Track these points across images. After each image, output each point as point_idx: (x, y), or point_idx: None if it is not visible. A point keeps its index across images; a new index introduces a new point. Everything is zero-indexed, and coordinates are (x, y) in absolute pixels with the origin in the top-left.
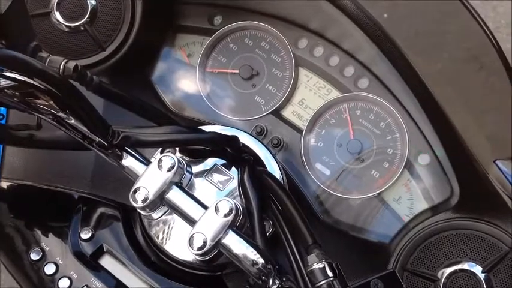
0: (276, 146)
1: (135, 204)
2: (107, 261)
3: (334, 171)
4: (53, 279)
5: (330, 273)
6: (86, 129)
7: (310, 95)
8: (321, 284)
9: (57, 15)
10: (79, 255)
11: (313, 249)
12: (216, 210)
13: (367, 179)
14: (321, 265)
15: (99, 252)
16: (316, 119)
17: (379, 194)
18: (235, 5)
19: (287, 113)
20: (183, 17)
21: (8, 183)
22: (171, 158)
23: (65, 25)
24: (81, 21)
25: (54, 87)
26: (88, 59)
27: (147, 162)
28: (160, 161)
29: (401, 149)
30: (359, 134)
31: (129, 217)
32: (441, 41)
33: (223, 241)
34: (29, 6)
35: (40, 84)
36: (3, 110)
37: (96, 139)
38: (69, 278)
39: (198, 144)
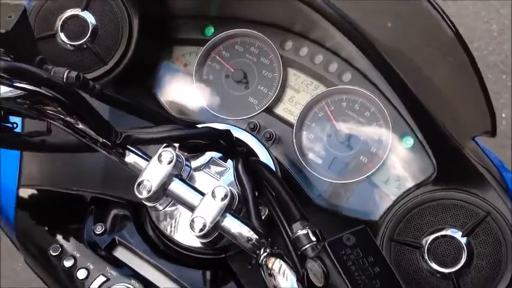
0: (268, 140)
1: (139, 196)
2: (120, 252)
3: (326, 160)
4: (71, 271)
5: (313, 238)
6: (91, 132)
7: (299, 92)
8: (306, 248)
9: (62, 35)
10: (94, 248)
11: (299, 221)
12: (213, 195)
13: (357, 164)
14: (304, 231)
15: (113, 244)
16: (305, 113)
17: (368, 177)
18: (224, 16)
19: (279, 110)
20: (178, 31)
21: (27, 190)
22: (170, 153)
23: (70, 44)
24: (84, 40)
25: (60, 94)
26: (92, 73)
27: (148, 158)
28: (160, 155)
29: (385, 134)
30: (346, 124)
31: (139, 212)
32: (411, 36)
33: (221, 223)
34: (36, 29)
35: (47, 92)
36: (16, 119)
37: (101, 139)
38: (87, 269)
39: (193, 138)
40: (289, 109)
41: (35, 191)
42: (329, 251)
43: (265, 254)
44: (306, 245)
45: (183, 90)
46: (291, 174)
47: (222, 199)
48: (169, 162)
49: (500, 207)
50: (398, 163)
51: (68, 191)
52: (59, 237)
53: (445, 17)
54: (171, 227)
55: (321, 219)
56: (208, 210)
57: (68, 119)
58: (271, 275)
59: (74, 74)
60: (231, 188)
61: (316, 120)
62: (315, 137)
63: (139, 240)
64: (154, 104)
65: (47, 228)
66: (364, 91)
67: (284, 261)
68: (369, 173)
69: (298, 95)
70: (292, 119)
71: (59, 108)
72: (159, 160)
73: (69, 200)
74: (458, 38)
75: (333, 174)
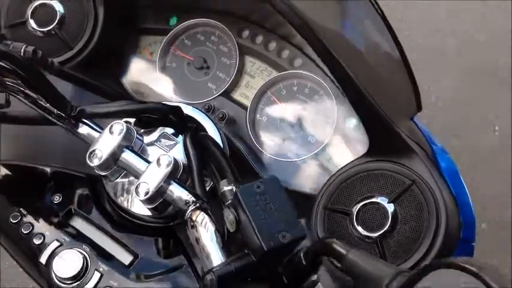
0: (221, 119)
1: (91, 164)
2: (75, 221)
3: (276, 140)
4: (29, 237)
5: None
6: (48, 104)
7: (254, 77)
8: (230, 202)
9: (32, 23)
10: (51, 216)
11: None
12: (158, 163)
13: (305, 144)
14: (229, 187)
15: (69, 214)
16: (259, 97)
17: (314, 155)
18: (188, 6)
19: (236, 95)
20: (145, 21)
21: None
22: (120, 124)
23: (39, 31)
24: (52, 26)
25: (17, 66)
26: (59, 57)
27: (101, 130)
28: (111, 127)
29: (331, 116)
30: (296, 106)
31: (96, 186)
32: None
33: (165, 189)
34: (8, 17)
35: (6, 64)
36: None
37: (55, 111)
38: (43, 235)
39: (145, 113)
40: (245, 93)
41: None
42: (239, 197)
43: (191, 208)
44: (230, 199)
45: (147, 78)
46: (242, 153)
47: (167, 166)
48: (120, 133)
49: (425, 176)
50: (342, 142)
51: (30, 165)
52: (20, 207)
53: (379, 12)
54: (126, 200)
55: None
56: (152, 176)
57: (27, 91)
58: (193, 227)
59: (30, 48)
60: (175, 157)
61: (269, 103)
62: (267, 119)
63: (95, 211)
64: (119, 88)
65: (9, 200)
66: (313, 76)
67: (207, 213)
68: (315, 152)
69: (253, 80)
70: (248, 102)
71: (19, 81)
72: (111, 131)
73: (32, 174)
74: (391, 33)
75: (283, 153)
